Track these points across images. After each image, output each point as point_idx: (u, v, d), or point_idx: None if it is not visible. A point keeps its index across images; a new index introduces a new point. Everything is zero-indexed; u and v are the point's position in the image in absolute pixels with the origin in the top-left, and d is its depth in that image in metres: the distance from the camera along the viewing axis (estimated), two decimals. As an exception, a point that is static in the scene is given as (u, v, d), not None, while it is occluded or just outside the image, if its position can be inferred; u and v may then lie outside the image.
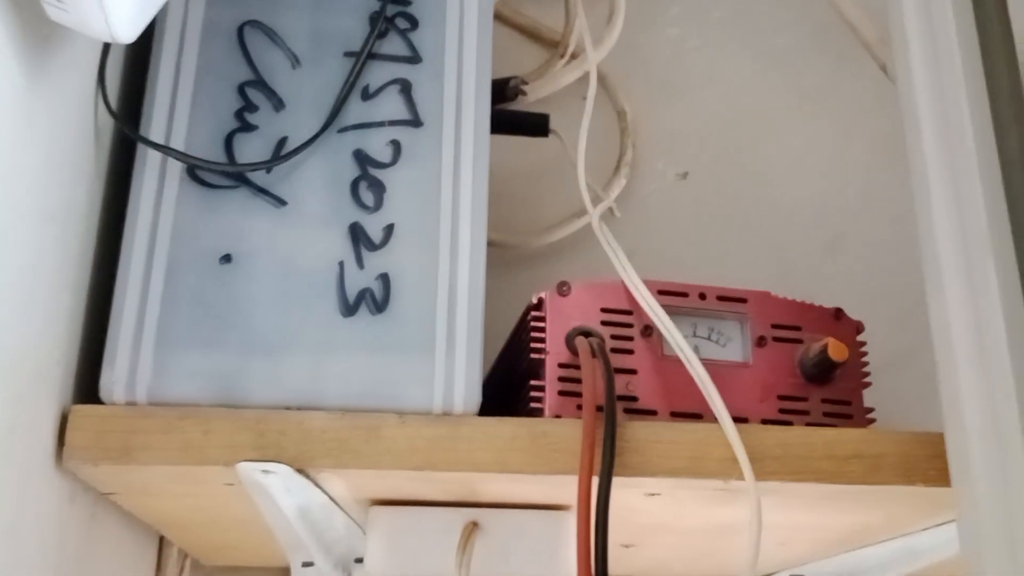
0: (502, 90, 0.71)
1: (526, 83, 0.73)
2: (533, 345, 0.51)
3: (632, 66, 0.85)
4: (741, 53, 0.87)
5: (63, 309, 0.45)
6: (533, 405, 0.50)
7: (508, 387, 0.54)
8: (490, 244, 0.51)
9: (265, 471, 0.44)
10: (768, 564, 0.67)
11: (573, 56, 0.79)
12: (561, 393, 0.50)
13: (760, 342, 0.53)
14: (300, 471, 0.45)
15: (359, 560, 0.67)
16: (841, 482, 0.47)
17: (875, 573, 0.64)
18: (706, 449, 0.47)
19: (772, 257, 0.81)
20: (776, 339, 0.53)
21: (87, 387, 0.47)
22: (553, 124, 0.70)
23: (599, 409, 0.47)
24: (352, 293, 0.48)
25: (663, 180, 0.83)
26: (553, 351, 0.51)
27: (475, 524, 0.51)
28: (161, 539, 0.65)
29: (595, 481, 0.45)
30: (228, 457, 0.45)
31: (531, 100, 0.75)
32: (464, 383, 0.47)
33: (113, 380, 0.45)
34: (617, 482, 0.45)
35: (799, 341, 0.53)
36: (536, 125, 0.71)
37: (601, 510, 0.44)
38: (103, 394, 0.46)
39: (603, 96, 0.82)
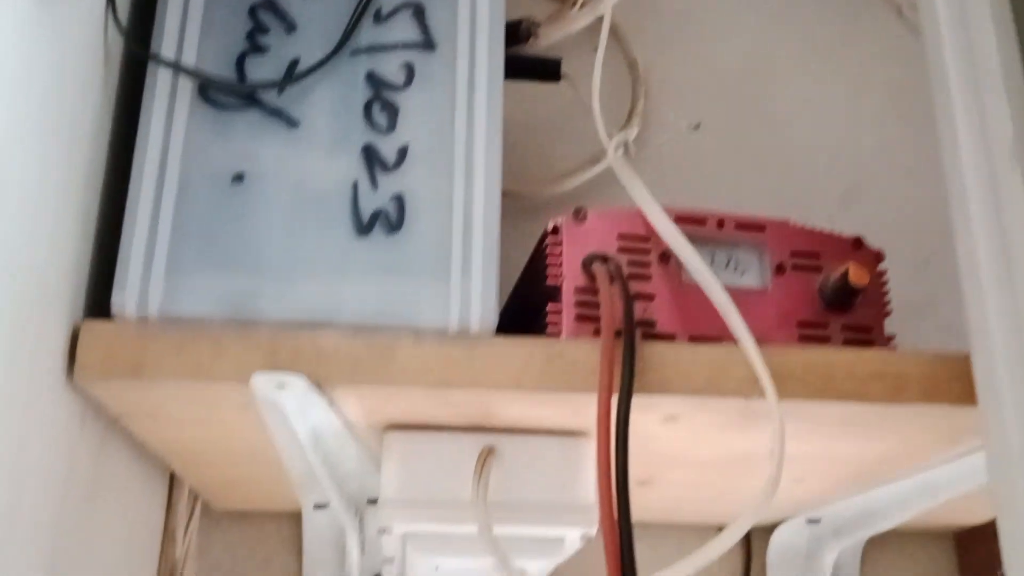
0: (515, 32, 0.70)
1: (538, 24, 0.72)
2: (550, 271, 0.50)
3: (643, 15, 0.84)
4: (754, 2, 0.86)
5: (72, 225, 0.45)
6: (550, 329, 0.49)
7: (525, 314, 0.53)
8: (503, 194, 0.50)
9: (280, 384, 0.44)
10: (785, 504, 0.67)
11: (584, 3, 0.79)
12: (578, 318, 0.49)
13: (779, 270, 0.52)
14: (316, 388, 0.44)
15: (372, 501, 0.67)
16: (863, 401, 0.46)
17: (894, 512, 0.64)
18: (726, 369, 0.46)
19: (786, 208, 0.78)
20: (795, 267, 0.53)
21: (99, 306, 0.46)
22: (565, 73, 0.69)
23: (617, 334, 0.46)
24: (366, 214, 0.47)
25: (675, 131, 0.82)
26: (570, 276, 0.50)
27: (491, 449, 0.50)
28: (172, 480, 0.64)
29: (614, 400, 0.44)
30: (241, 374, 0.44)
31: (543, 46, 0.75)
32: (480, 303, 0.47)
33: (125, 297, 0.45)
34: (635, 403, 0.44)
35: (818, 269, 0.53)
36: (549, 69, 0.70)
37: (621, 426, 0.43)
38: (115, 311, 0.45)
39: (614, 47, 0.82)
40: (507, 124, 0.52)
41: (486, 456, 0.49)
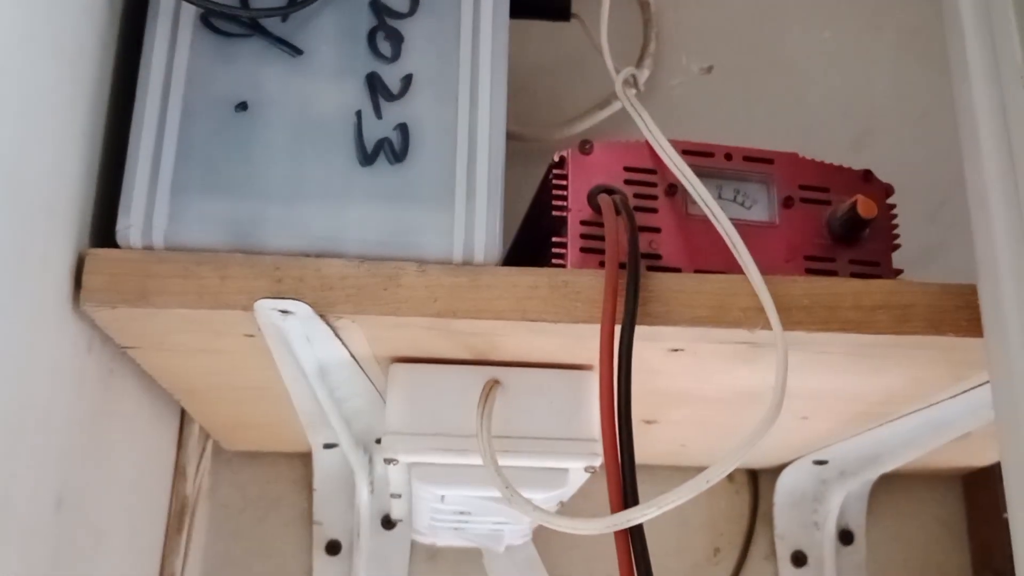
0: (522, -31, 0.69)
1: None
2: (555, 203, 0.50)
3: (654, -45, 0.82)
4: (767, -58, 0.85)
5: (75, 149, 0.45)
6: (555, 262, 0.49)
7: (530, 248, 0.53)
8: (510, 137, 0.50)
9: (284, 311, 0.44)
10: (790, 444, 0.67)
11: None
12: (583, 250, 0.49)
13: (787, 203, 0.52)
14: (320, 316, 0.44)
15: (380, 440, 0.68)
16: (868, 332, 0.46)
17: (900, 452, 0.64)
18: (731, 299, 0.46)
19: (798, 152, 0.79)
20: (804, 200, 0.52)
21: (103, 233, 0.46)
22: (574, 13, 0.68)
23: (621, 266, 0.46)
24: (370, 143, 0.47)
25: (687, 74, 0.81)
26: (575, 208, 0.50)
27: (496, 381, 0.50)
28: (183, 418, 0.65)
29: (617, 330, 0.44)
30: (246, 301, 0.44)
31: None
32: (484, 233, 0.47)
33: (129, 224, 0.45)
34: (639, 335, 0.44)
35: (827, 203, 0.52)
36: (557, 7, 0.69)
37: (624, 355, 0.43)
38: (119, 239, 0.45)
39: (625, -13, 0.81)
40: (516, 66, 0.52)
41: (490, 388, 0.50)
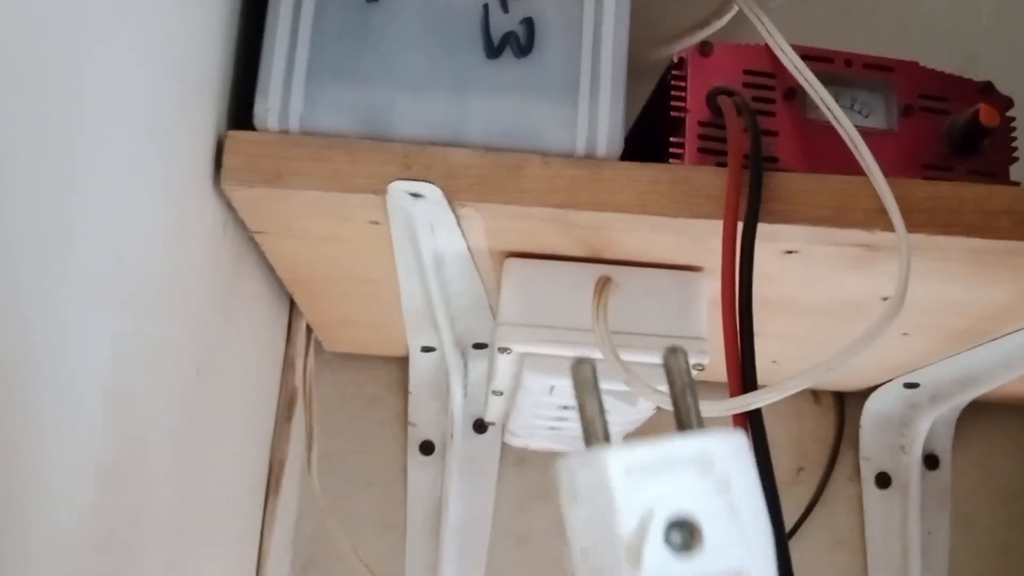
0: None
1: None
2: (673, 104, 0.50)
3: None
4: None
5: (220, 31, 0.46)
6: (672, 162, 0.49)
7: (646, 150, 0.54)
8: None
9: (416, 194, 0.45)
10: (884, 364, 0.67)
11: None
12: (701, 151, 0.50)
13: (906, 111, 0.52)
14: (447, 202, 0.46)
15: (477, 346, 0.69)
16: (991, 237, 0.46)
17: (997, 374, 0.64)
18: (852, 200, 0.46)
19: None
20: (923, 108, 0.52)
21: (240, 117, 0.48)
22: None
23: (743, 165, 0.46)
24: (496, 36, 0.48)
25: (788, -3, 0.80)
26: (694, 109, 0.50)
27: (608, 279, 0.51)
28: (291, 313, 0.67)
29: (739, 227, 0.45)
30: (375, 185, 0.46)
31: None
32: (607, 127, 0.47)
33: (267, 109, 0.46)
34: (759, 232, 0.45)
35: (946, 112, 0.52)
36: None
37: (747, 242, 0.44)
38: (257, 122, 0.47)
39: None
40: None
41: (604, 284, 0.51)
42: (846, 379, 0.74)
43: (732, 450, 0.26)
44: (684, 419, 0.27)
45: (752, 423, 0.41)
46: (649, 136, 0.54)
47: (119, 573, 0.40)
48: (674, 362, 0.28)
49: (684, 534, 0.24)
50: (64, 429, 0.33)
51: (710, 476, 0.25)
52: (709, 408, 0.42)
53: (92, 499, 0.36)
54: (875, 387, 0.73)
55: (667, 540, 0.24)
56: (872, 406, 0.74)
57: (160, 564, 0.45)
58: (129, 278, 0.38)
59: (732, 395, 0.42)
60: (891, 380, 0.71)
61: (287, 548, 0.70)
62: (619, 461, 0.25)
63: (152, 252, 0.40)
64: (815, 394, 0.77)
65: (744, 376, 0.42)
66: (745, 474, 0.26)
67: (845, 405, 0.76)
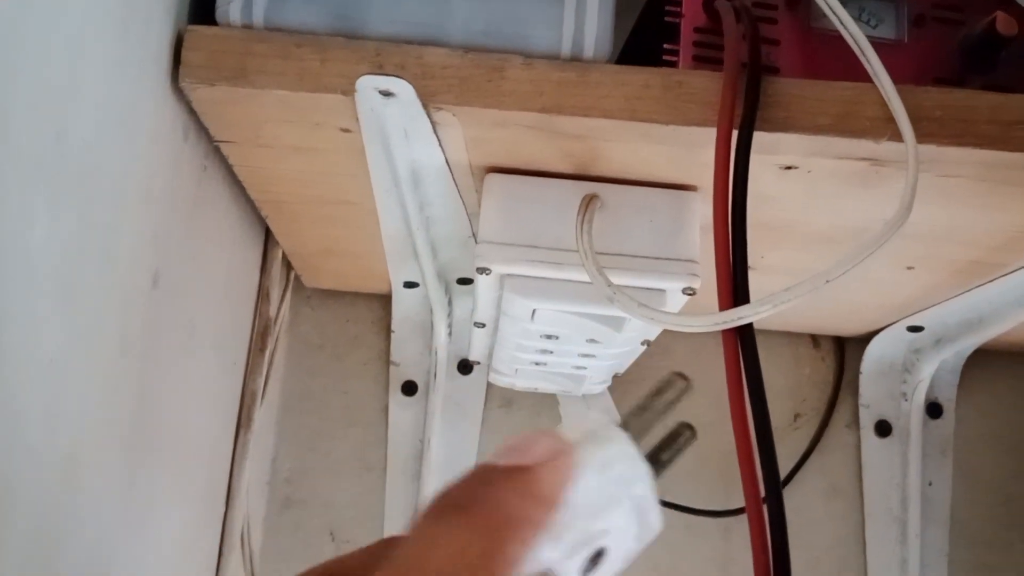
0: None
1: None
2: (668, 8, 0.47)
3: None
4: None
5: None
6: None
7: (642, 62, 0.51)
8: None
9: (386, 92, 0.42)
10: (887, 303, 0.64)
11: None
12: (696, 58, 0.47)
13: (918, 21, 0.48)
14: (421, 104, 0.43)
15: (462, 281, 0.67)
16: (1006, 149, 0.42)
17: (1006, 314, 0.61)
18: (857, 107, 0.43)
19: None
20: (935, 19, 0.48)
21: (201, 12, 0.45)
22: None
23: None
24: (479, -71, 0.44)
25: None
26: (689, 15, 0.47)
27: (595, 196, 0.48)
28: (266, 243, 0.64)
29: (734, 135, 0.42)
30: (346, 85, 0.42)
31: None
32: (595, 27, 0.44)
33: (230, 1, 0.43)
34: (755, 144, 0.42)
35: (961, 23, 0.48)
36: None
37: (742, 150, 0.41)
38: (219, 16, 0.44)
39: None
40: None
41: (589, 201, 0.48)
42: (846, 322, 0.71)
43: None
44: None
45: (743, 342, 0.38)
46: (645, 48, 0.51)
47: (69, 484, 0.37)
48: (671, 386, 0.28)
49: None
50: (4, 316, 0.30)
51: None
52: (696, 323, 0.39)
53: (41, 399, 0.33)
54: (876, 332, 0.70)
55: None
56: (873, 351, 0.71)
57: (116, 486, 0.42)
58: (72, 160, 0.35)
59: (722, 309, 0.39)
60: (894, 323, 0.68)
61: (262, 487, 0.67)
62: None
63: (100, 140, 0.37)
64: (814, 339, 0.74)
65: (735, 288, 0.39)
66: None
67: (845, 351, 0.73)
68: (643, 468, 0.26)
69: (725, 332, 0.39)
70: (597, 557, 0.25)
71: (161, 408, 0.47)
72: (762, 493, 0.39)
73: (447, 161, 0.48)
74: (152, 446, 0.46)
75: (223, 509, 0.59)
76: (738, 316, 0.38)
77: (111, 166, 0.38)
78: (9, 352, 0.31)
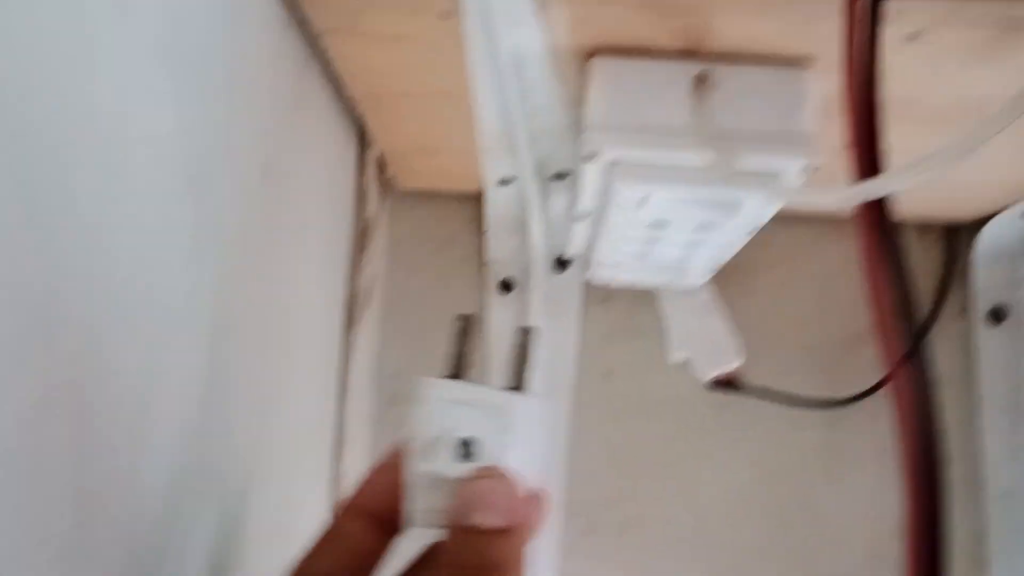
0: None
1: None
2: None
3: None
4: None
5: None
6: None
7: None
8: None
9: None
10: (1006, 181, 0.61)
11: None
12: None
13: None
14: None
15: (557, 176, 0.66)
16: None
17: None
18: (993, -36, 0.40)
19: None
20: None
21: None
22: None
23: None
24: None
25: None
26: None
27: (706, 74, 0.46)
28: (362, 144, 0.64)
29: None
30: (449, -36, 0.41)
31: None
32: None
33: None
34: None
35: None
36: None
37: (873, 17, 0.38)
38: (317, -101, 0.43)
39: None
40: None
41: (702, 80, 0.46)
42: (959, 204, 0.68)
43: (528, 410, 0.34)
44: (511, 381, 0.35)
45: (881, 216, 0.37)
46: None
47: (216, 376, 0.38)
48: (520, 336, 0.36)
49: (466, 451, 0.33)
50: (130, 186, 0.31)
51: (500, 421, 0.33)
52: (831, 197, 0.38)
53: (180, 275, 0.34)
54: (988, 217, 0.68)
55: (454, 452, 0.33)
56: (987, 238, 0.68)
57: (248, 375, 0.43)
58: (188, 44, 0.34)
59: (857, 181, 0.37)
60: (1008, 207, 0.65)
61: (370, 384, 0.69)
62: (440, 389, 0.34)
63: (211, 25, 0.37)
64: (919, 229, 0.72)
65: (873, 157, 0.37)
66: (526, 427, 0.34)
67: (953, 240, 0.71)
68: (449, 384, 0.34)
69: (862, 206, 0.37)
70: (467, 447, 0.32)
71: (280, 303, 0.48)
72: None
73: (550, 44, 0.47)
74: (273, 342, 0.47)
75: (335, 404, 0.60)
76: (877, 187, 0.36)
77: (220, 54, 0.38)
78: (150, 242, 0.32)
